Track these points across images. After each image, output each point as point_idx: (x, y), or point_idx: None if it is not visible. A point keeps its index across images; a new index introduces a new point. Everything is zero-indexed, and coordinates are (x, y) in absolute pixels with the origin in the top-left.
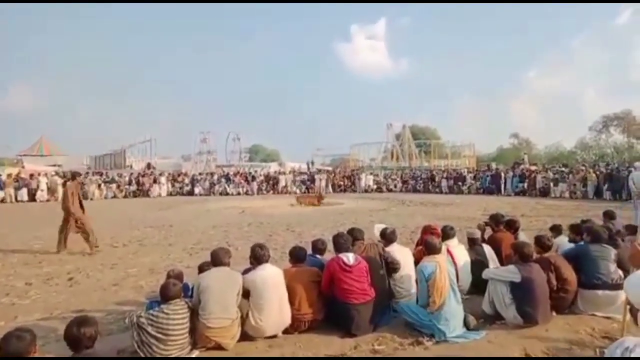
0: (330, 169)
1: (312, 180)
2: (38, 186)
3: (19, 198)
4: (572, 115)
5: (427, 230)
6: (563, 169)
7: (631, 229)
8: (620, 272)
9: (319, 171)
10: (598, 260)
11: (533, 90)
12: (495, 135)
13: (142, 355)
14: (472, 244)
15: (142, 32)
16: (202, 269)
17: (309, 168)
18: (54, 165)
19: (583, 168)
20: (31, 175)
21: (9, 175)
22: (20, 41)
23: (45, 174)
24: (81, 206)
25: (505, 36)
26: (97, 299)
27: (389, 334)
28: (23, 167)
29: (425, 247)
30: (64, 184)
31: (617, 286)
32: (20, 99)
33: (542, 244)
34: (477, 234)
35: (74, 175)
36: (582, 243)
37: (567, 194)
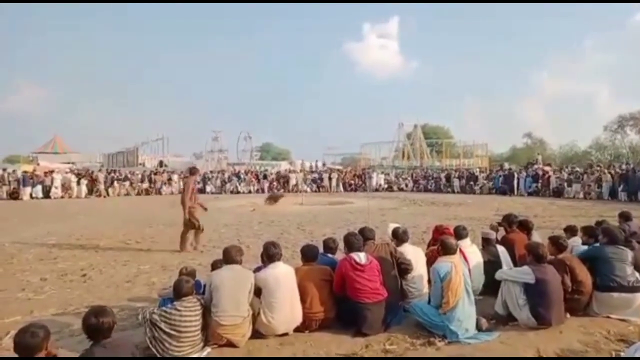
0: (341, 168)
1: (322, 179)
2: (52, 183)
3: (33, 195)
4: (586, 115)
5: (439, 230)
6: (578, 169)
7: None
8: (637, 275)
9: (330, 170)
10: (614, 262)
11: (547, 90)
12: (508, 135)
13: (154, 351)
14: (487, 244)
15: (153, 31)
16: (215, 266)
17: (317, 167)
18: (68, 163)
19: (598, 168)
20: (45, 173)
21: (25, 172)
22: (28, 41)
23: (59, 172)
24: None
25: (518, 36)
26: (110, 295)
27: (400, 334)
28: (38, 164)
29: (442, 247)
30: (183, 179)
31: (634, 289)
32: (32, 99)
33: (557, 244)
34: (492, 234)
35: (192, 171)
36: (597, 244)
37: (581, 195)
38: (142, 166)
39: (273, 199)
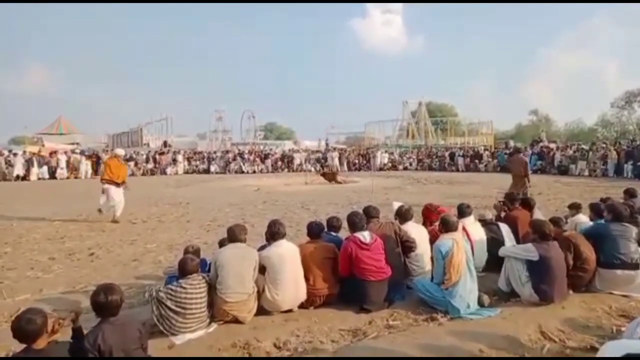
0: (344, 147)
1: (326, 159)
2: (58, 164)
3: (40, 176)
4: (593, 92)
5: (430, 209)
6: (583, 146)
7: None
8: None
9: (334, 149)
10: (618, 239)
11: (554, 67)
12: (514, 112)
13: (161, 328)
14: (484, 224)
15: (158, 13)
16: (222, 244)
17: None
18: (73, 144)
19: (603, 145)
20: (51, 154)
21: (31, 153)
22: (35, 23)
23: (65, 152)
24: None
25: (525, 12)
26: (117, 273)
27: (403, 310)
28: (43, 145)
29: (442, 224)
30: (510, 155)
31: (637, 266)
32: (37, 81)
33: (556, 225)
34: (487, 215)
35: (517, 150)
36: (602, 221)
37: (586, 172)
38: (147, 146)
39: (328, 175)
